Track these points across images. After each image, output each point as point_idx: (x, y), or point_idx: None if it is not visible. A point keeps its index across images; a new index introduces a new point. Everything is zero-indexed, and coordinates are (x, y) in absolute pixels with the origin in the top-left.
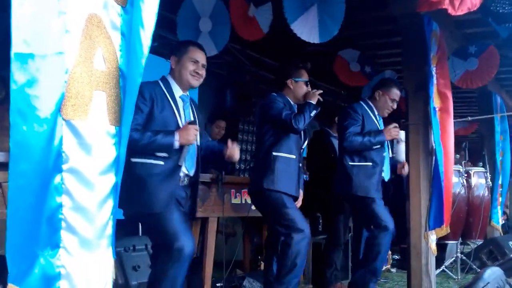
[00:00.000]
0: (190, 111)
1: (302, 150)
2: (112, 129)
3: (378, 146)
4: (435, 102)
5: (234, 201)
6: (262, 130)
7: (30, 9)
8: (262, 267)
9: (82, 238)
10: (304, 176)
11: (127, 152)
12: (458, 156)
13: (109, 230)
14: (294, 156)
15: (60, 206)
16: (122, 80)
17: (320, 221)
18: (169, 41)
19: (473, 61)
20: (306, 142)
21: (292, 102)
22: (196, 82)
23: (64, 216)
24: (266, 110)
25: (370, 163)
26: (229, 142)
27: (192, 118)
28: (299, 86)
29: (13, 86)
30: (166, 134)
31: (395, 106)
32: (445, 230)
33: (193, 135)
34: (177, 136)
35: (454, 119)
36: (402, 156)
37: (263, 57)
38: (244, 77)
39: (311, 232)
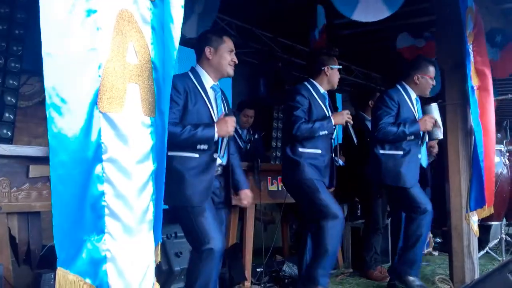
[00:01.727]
0: (221, 101)
1: (332, 140)
2: (147, 120)
3: (412, 138)
4: (473, 81)
5: (270, 188)
6: (287, 120)
7: (58, 9)
8: None
9: (124, 224)
10: (340, 161)
11: None
12: (499, 135)
13: (150, 215)
14: (319, 151)
15: (103, 193)
16: (155, 72)
17: (359, 206)
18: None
19: (496, 52)
20: (335, 131)
21: (322, 90)
22: (232, 70)
23: (107, 203)
24: (288, 102)
25: (401, 152)
26: (248, 192)
27: (223, 108)
28: (334, 73)
29: (46, 83)
30: (206, 127)
31: (434, 83)
32: (487, 210)
33: (232, 127)
34: (216, 129)
35: (494, 96)
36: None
37: (294, 44)
38: (277, 65)
39: (350, 217)
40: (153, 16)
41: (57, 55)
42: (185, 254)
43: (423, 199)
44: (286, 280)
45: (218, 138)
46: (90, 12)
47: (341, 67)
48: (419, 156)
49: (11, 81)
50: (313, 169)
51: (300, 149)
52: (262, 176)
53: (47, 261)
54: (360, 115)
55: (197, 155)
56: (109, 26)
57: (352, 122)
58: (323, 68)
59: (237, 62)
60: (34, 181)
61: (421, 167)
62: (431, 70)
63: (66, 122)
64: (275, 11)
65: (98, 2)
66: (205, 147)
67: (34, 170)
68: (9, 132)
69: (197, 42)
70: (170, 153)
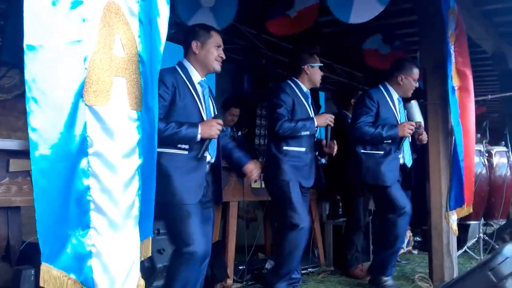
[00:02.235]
0: (208, 97)
1: (315, 139)
2: (134, 114)
3: (389, 141)
4: (454, 81)
5: (254, 185)
6: (271, 118)
7: (42, 0)
8: None
9: (109, 219)
10: (322, 160)
11: None
12: (479, 135)
13: (135, 210)
14: (303, 149)
15: (88, 188)
16: (142, 66)
17: (340, 204)
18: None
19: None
20: (317, 130)
21: (305, 88)
22: (219, 66)
23: (93, 197)
24: (272, 99)
25: (382, 152)
26: (252, 165)
27: (211, 105)
28: (315, 71)
29: (27, 76)
30: (190, 126)
31: (417, 84)
32: (466, 210)
33: (216, 130)
34: (199, 130)
35: (474, 97)
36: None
37: (278, 41)
38: (261, 62)
39: (332, 216)
40: (141, 9)
41: (40, 47)
42: (168, 251)
43: (402, 200)
44: None
45: (201, 139)
46: (76, 3)
47: (321, 64)
48: (400, 156)
49: None
50: (294, 170)
51: (285, 147)
52: None
53: (27, 257)
54: (342, 114)
55: (186, 152)
56: (96, 18)
57: (332, 125)
58: (303, 67)
59: (224, 57)
60: (14, 175)
61: (405, 167)
62: (415, 72)
63: (47, 115)
64: (259, 8)
65: None
66: (186, 146)
67: (15, 164)
68: None
69: (184, 37)
70: (158, 150)
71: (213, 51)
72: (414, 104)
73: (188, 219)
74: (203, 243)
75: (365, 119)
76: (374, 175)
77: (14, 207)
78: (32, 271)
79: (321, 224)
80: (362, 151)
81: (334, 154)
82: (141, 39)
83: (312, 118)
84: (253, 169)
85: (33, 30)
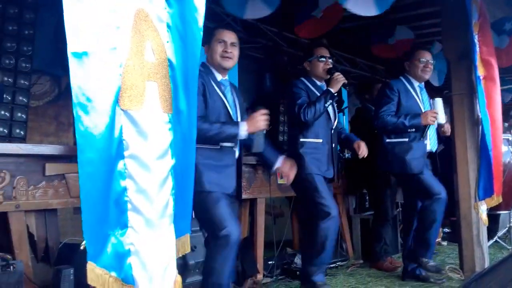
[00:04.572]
0: (231, 95)
1: (332, 131)
2: (165, 117)
3: (413, 130)
4: (479, 71)
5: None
6: (290, 114)
7: (81, 9)
8: None
9: (146, 218)
10: (346, 154)
11: None
12: (506, 124)
13: (170, 209)
14: (320, 140)
15: (125, 189)
16: (171, 70)
17: (367, 197)
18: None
19: (504, 39)
20: (336, 122)
21: (318, 83)
22: (227, 62)
23: (129, 198)
24: (287, 97)
25: (406, 139)
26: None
27: (236, 102)
28: (313, 64)
29: (73, 83)
30: (233, 124)
31: (430, 66)
32: (496, 200)
33: (262, 121)
34: (245, 126)
35: (500, 86)
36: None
37: (299, 38)
38: (282, 59)
39: (359, 209)
40: (169, 16)
41: (84, 54)
42: (199, 248)
43: (435, 186)
44: (298, 272)
45: (247, 134)
46: (111, 11)
47: (321, 55)
48: (425, 142)
49: (22, 81)
50: (315, 163)
51: (301, 139)
52: None
53: (65, 257)
54: (367, 107)
55: (218, 146)
56: (128, 25)
57: (347, 81)
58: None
59: (231, 53)
60: (51, 179)
61: (431, 153)
62: (416, 54)
63: (92, 121)
64: (280, 6)
65: (117, 2)
66: (231, 144)
67: (50, 168)
68: (22, 132)
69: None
70: None
71: (217, 48)
72: (438, 101)
73: (218, 203)
74: (236, 227)
75: (386, 109)
76: (400, 164)
77: (51, 209)
78: (71, 271)
79: (348, 217)
80: (387, 140)
81: (363, 155)
82: (170, 44)
83: (327, 89)
84: (286, 166)
85: (76, 37)
